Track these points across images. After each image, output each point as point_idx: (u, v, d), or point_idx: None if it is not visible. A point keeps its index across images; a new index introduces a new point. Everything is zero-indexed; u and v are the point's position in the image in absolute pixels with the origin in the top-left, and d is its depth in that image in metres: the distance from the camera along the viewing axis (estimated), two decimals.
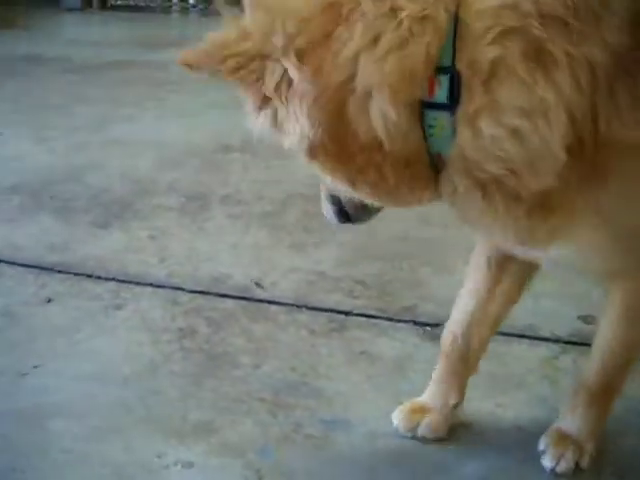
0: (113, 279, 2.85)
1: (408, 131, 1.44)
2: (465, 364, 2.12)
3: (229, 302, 2.71)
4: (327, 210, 1.87)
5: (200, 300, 2.72)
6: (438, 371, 2.15)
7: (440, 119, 1.42)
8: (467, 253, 2.80)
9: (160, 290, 2.78)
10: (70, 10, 9.24)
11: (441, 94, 1.40)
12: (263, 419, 2.13)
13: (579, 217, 1.56)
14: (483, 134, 1.39)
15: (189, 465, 1.97)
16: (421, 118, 1.43)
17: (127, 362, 2.38)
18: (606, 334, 1.92)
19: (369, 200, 1.64)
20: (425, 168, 1.50)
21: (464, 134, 1.41)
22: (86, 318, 2.61)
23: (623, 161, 1.48)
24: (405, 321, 2.61)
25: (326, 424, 2.12)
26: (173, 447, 2.03)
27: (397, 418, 2.13)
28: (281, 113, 1.49)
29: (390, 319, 2.62)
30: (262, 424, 2.11)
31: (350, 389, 2.27)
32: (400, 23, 1.36)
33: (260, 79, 1.48)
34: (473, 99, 1.38)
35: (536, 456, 1.99)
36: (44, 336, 2.52)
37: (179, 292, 2.76)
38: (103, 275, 2.87)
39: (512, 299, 2.07)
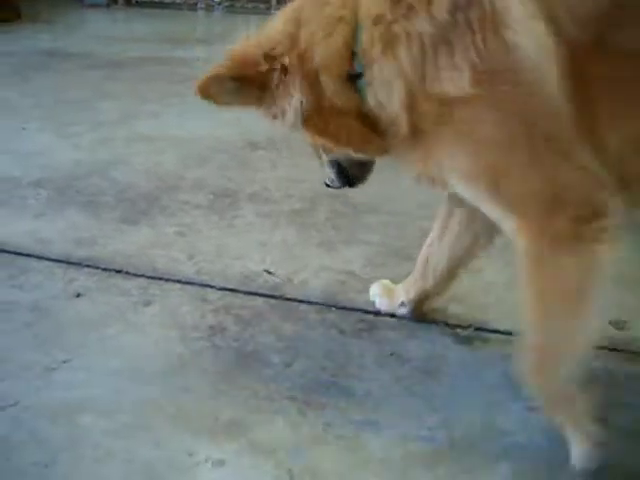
0: (142, 275, 2.84)
1: (348, 95, 1.99)
2: (423, 277, 2.55)
3: (259, 300, 2.69)
4: (329, 176, 2.35)
5: (229, 298, 2.70)
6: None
7: (362, 83, 1.97)
8: (497, 255, 2.82)
9: (189, 287, 2.77)
10: (94, 6, 9.24)
11: (359, 67, 1.96)
12: (294, 418, 2.12)
13: (440, 158, 1.98)
14: (376, 95, 1.96)
15: (220, 463, 1.96)
16: (354, 85, 1.98)
17: (156, 359, 2.37)
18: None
19: (351, 153, 2.14)
20: (372, 122, 2.01)
21: (369, 94, 1.97)
22: (115, 314, 2.60)
23: (446, 110, 1.90)
24: (435, 323, 2.59)
25: (357, 425, 2.11)
26: (204, 445, 2.02)
27: (374, 291, 2.67)
28: (280, 102, 2.02)
29: (420, 320, 2.60)
30: (293, 423, 2.10)
31: (380, 390, 2.25)
32: (327, 23, 1.97)
33: (271, 83, 2.02)
34: (367, 71, 1.95)
35: (566, 458, 1.96)
36: (73, 331, 2.51)
37: (208, 289, 2.75)
38: (132, 271, 2.86)
39: (462, 244, 2.45)
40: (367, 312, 2.63)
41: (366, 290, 2.74)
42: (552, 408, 2.02)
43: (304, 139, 2.19)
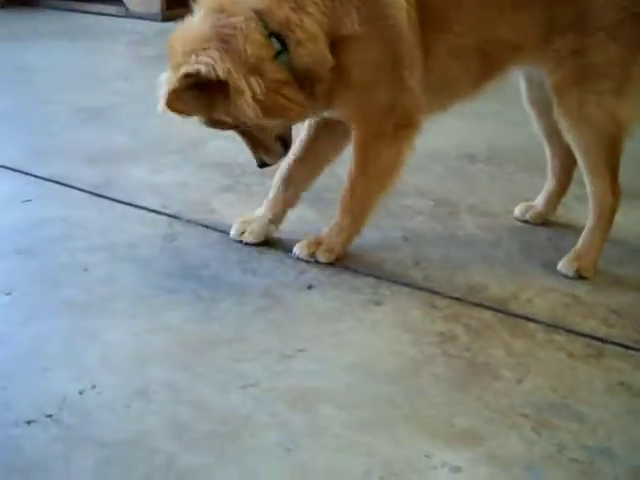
0: (370, 275, 2.89)
1: (282, 71, 2.64)
2: (285, 192, 3.11)
3: (486, 313, 2.70)
4: (270, 154, 2.92)
5: (457, 307, 2.72)
6: (268, 196, 3.13)
7: (285, 56, 2.63)
8: None
9: (417, 292, 2.80)
10: None
11: (277, 46, 2.62)
12: (527, 435, 2.12)
13: (340, 90, 2.75)
14: (301, 56, 2.64)
15: (457, 470, 1.98)
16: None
17: (389, 358, 2.41)
18: (350, 164, 2.91)
19: (292, 122, 2.85)
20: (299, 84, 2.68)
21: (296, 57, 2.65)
22: (347, 309, 2.66)
23: (351, 47, 2.70)
24: None
25: (590, 450, 2.09)
26: (440, 449, 2.04)
27: (235, 230, 3.11)
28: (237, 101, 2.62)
29: None
30: (526, 440, 2.10)
31: (612, 419, 2.22)
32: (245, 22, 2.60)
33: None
34: (291, 39, 2.61)
35: None
36: (306, 321, 2.59)
37: (436, 296, 2.78)
38: (361, 270, 2.92)
39: (327, 156, 3.11)
40: (594, 338, 2.59)
41: (592, 316, 2.72)
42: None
43: (256, 129, 2.77)
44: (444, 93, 3.03)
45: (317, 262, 2.94)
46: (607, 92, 2.88)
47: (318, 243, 2.96)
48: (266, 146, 2.88)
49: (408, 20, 2.75)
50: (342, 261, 2.97)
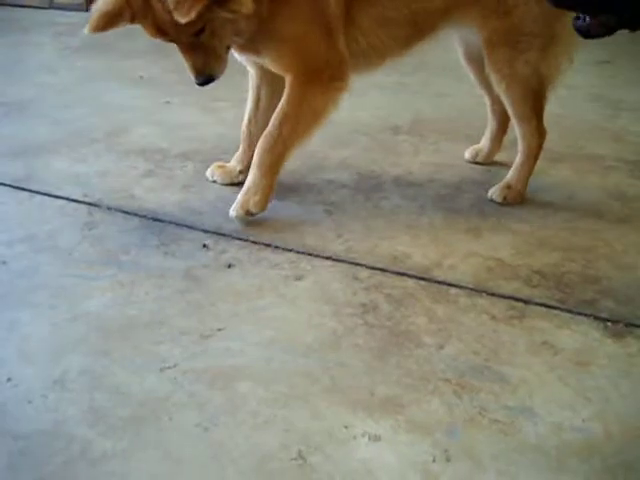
0: (292, 250, 2.86)
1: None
2: (250, 147, 3.28)
3: (409, 281, 2.69)
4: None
5: (380, 277, 2.71)
6: (238, 150, 3.43)
7: None
8: None
9: (339, 264, 2.78)
10: None
11: None
12: (449, 399, 2.12)
13: (267, 38, 2.95)
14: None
15: (377, 438, 1.97)
16: None
17: (309, 332, 2.40)
18: (276, 110, 3.05)
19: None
20: None
21: None
22: (267, 286, 2.64)
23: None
24: (586, 315, 2.55)
25: (511, 410, 2.10)
26: (360, 419, 2.03)
27: (209, 171, 3.47)
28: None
29: (570, 311, 2.56)
30: (448, 404, 2.10)
31: (533, 378, 2.23)
32: None
33: None
34: None
35: None
36: (226, 300, 2.55)
37: (358, 267, 2.76)
38: (281, 245, 2.89)
39: (273, 108, 3.13)
40: (517, 299, 2.60)
41: (515, 278, 2.73)
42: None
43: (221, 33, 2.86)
44: (372, 57, 3.22)
45: (251, 215, 3.06)
46: (533, 50, 3.12)
47: (247, 198, 3.06)
48: (219, 54, 2.94)
49: None
50: (263, 238, 2.94)
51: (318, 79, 3.02)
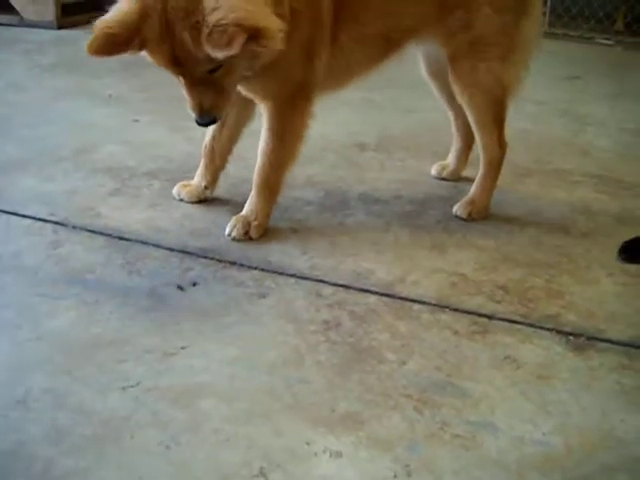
0: (256, 268, 2.87)
1: None
2: (212, 163, 3.42)
3: (372, 297, 2.71)
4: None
5: (343, 294, 2.72)
6: (200, 166, 3.46)
7: None
8: (616, 267, 2.81)
9: (303, 281, 2.80)
10: None
11: None
12: (410, 415, 2.13)
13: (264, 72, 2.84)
14: None
15: (338, 455, 1.98)
16: None
17: (273, 349, 2.40)
18: (262, 142, 3.10)
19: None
20: None
21: None
22: (231, 304, 2.64)
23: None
24: (548, 329, 2.57)
25: (472, 425, 2.11)
26: (322, 435, 2.04)
27: (175, 191, 3.47)
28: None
29: (533, 325, 2.59)
30: (409, 420, 2.11)
31: (495, 392, 2.25)
32: None
33: None
34: None
35: None
36: (190, 318, 2.55)
37: (322, 284, 2.77)
38: (246, 263, 2.90)
39: (238, 127, 3.37)
40: (480, 315, 2.63)
41: (478, 293, 2.75)
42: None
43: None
44: (344, 74, 3.29)
45: (250, 239, 3.10)
46: (494, 59, 3.21)
47: (248, 222, 3.11)
48: (228, 94, 2.84)
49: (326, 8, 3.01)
50: (228, 256, 2.95)
51: (293, 101, 3.06)
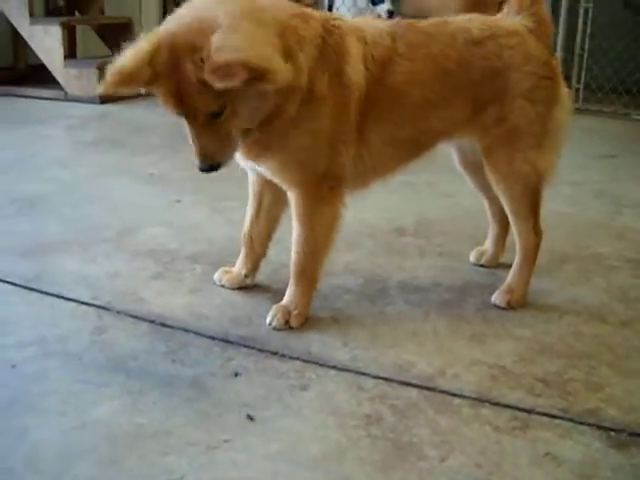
0: (298, 358, 2.90)
1: None
2: (252, 251, 3.48)
3: (413, 391, 2.72)
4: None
5: (384, 387, 2.74)
6: (241, 253, 3.50)
7: None
8: None
9: (344, 373, 2.82)
10: None
11: None
12: None
13: (272, 148, 2.96)
14: None
15: None
16: None
17: (314, 444, 2.41)
18: (294, 231, 3.12)
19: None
20: None
21: None
22: (273, 396, 2.66)
23: (311, 105, 2.93)
24: (589, 424, 2.57)
25: None
26: None
27: (217, 277, 3.54)
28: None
29: (572, 420, 2.58)
30: None
31: None
32: None
33: None
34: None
35: None
36: (233, 411, 2.58)
37: (363, 377, 2.79)
38: (287, 353, 2.93)
39: (274, 214, 3.43)
40: (520, 409, 2.62)
41: (518, 387, 2.75)
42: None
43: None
44: (369, 175, 3.31)
45: (290, 328, 3.14)
46: (530, 148, 3.25)
47: (288, 311, 3.15)
48: (232, 141, 2.85)
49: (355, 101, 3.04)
50: (269, 346, 2.98)
51: (319, 192, 3.08)
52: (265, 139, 2.95)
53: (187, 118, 2.78)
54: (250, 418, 2.51)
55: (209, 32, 2.59)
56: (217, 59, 2.53)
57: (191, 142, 2.83)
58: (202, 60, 2.56)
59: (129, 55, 2.65)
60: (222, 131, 2.79)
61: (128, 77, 2.64)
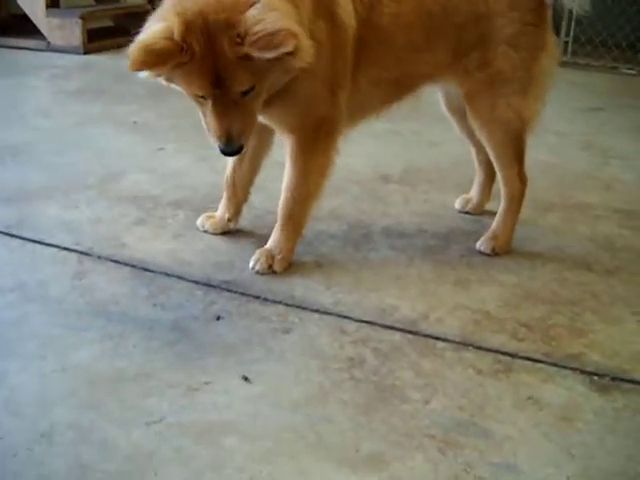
0: (280, 302, 2.88)
1: None
2: (235, 195, 3.47)
3: (396, 334, 2.71)
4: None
5: (367, 330, 2.73)
6: (223, 199, 3.50)
7: None
8: (634, 305, 2.79)
9: (327, 317, 2.80)
10: None
11: None
12: (433, 456, 2.12)
13: (276, 98, 2.86)
14: None
15: None
16: None
17: (296, 387, 2.41)
18: (286, 177, 3.13)
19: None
20: None
21: None
22: (255, 339, 2.65)
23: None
24: (571, 369, 2.56)
25: (496, 467, 2.10)
26: (345, 476, 2.04)
27: (200, 222, 3.51)
28: None
29: (555, 365, 2.58)
30: (432, 461, 2.11)
31: (518, 434, 2.24)
32: None
33: None
34: None
35: None
36: (214, 353, 2.56)
37: (346, 320, 2.78)
38: (270, 297, 2.91)
39: (257, 159, 3.44)
40: (503, 353, 2.62)
41: (502, 331, 2.74)
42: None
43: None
44: (357, 114, 3.27)
45: (273, 272, 3.12)
46: (514, 94, 3.23)
47: (272, 255, 3.14)
48: (254, 119, 2.84)
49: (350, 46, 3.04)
50: (252, 290, 2.96)
51: (317, 137, 3.07)
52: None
53: (214, 99, 2.68)
54: (245, 379, 2.46)
55: (243, 9, 2.53)
56: (258, 29, 2.48)
57: (211, 125, 2.75)
58: (239, 36, 2.50)
59: (157, 34, 2.53)
60: (246, 110, 2.74)
61: (159, 56, 2.52)
